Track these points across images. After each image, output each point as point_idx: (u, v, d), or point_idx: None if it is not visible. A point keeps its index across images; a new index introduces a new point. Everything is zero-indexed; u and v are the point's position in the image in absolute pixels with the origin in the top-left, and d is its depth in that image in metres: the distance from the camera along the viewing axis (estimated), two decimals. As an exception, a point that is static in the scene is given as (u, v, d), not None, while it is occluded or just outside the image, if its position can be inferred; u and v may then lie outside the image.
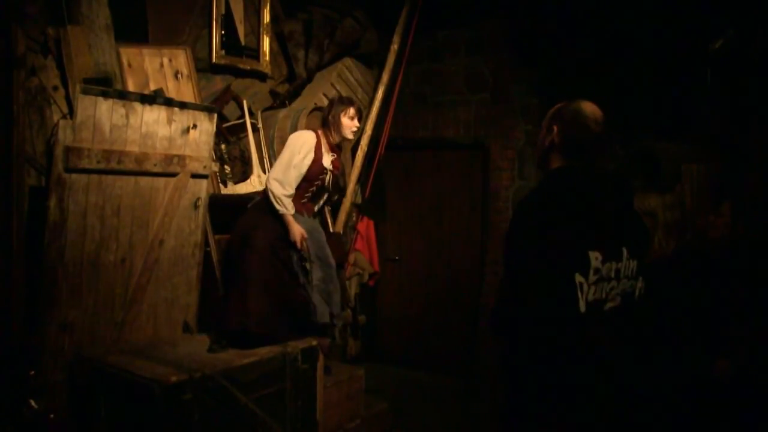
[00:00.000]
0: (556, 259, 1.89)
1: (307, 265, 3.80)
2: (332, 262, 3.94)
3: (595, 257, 1.94)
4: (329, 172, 3.93)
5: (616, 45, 4.59)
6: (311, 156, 3.80)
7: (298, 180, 3.78)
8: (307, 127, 4.25)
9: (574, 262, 1.92)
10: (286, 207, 3.71)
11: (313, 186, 3.89)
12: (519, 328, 1.95)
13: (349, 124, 3.88)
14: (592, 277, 1.94)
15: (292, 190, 3.74)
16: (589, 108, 2.12)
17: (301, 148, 3.77)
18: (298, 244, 3.73)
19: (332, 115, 3.88)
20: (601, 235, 1.99)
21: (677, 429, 3.17)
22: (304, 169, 3.78)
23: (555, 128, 2.13)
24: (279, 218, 3.72)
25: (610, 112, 2.16)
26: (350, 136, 3.96)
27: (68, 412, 3.34)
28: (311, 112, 4.80)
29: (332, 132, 3.90)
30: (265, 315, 3.61)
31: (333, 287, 3.90)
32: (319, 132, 3.91)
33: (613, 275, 2.00)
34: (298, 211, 3.82)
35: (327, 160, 3.89)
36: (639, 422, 2.40)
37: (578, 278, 1.91)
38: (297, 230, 3.73)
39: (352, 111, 3.88)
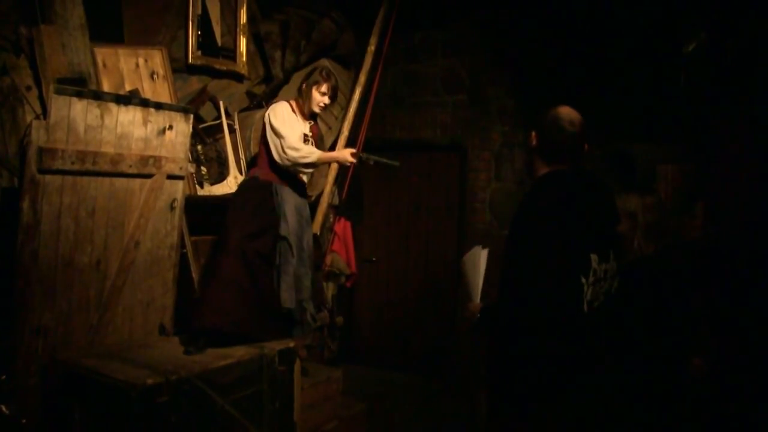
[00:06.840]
0: (564, 263, 1.94)
1: (288, 241, 3.83)
2: (308, 246, 3.97)
3: (594, 259, 2.02)
4: (310, 139, 3.97)
5: (591, 48, 4.64)
6: (293, 119, 3.87)
7: (302, 138, 3.84)
8: None
9: (579, 265, 1.98)
10: (313, 153, 3.79)
11: None
12: (522, 328, 1.99)
13: (318, 98, 3.92)
14: (591, 279, 2.01)
15: (302, 145, 3.80)
16: (565, 111, 2.18)
17: (280, 115, 3.82)
18: (353, 158, 3.85)
19: (306, 85, 3.93)
20: (596, 237, 2.06)
21: (653, 426, 3.21)
22: (297, 127, 3.84)
23: (533, 133, 2.22)
24: (255, 208, 3.77)
25: (586, 113, 2.21)
26: (317, 110, 3.99)
27: (41, 417, 3.28)
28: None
29: (303, 102, 3.96)
30: (240, 315, 3.59)
31: (304, 272, 3.92)
32: (292, 102, 3.97)
33: (603, 276, 2.07)
34: (288, 185, 3.89)
35: (305, 127, 3.95)
36: (619, 418, 2.43)
37: (582, 280, 1.98)
38: (341, 155, 3.89)
39: (324, 87, 3.90)
